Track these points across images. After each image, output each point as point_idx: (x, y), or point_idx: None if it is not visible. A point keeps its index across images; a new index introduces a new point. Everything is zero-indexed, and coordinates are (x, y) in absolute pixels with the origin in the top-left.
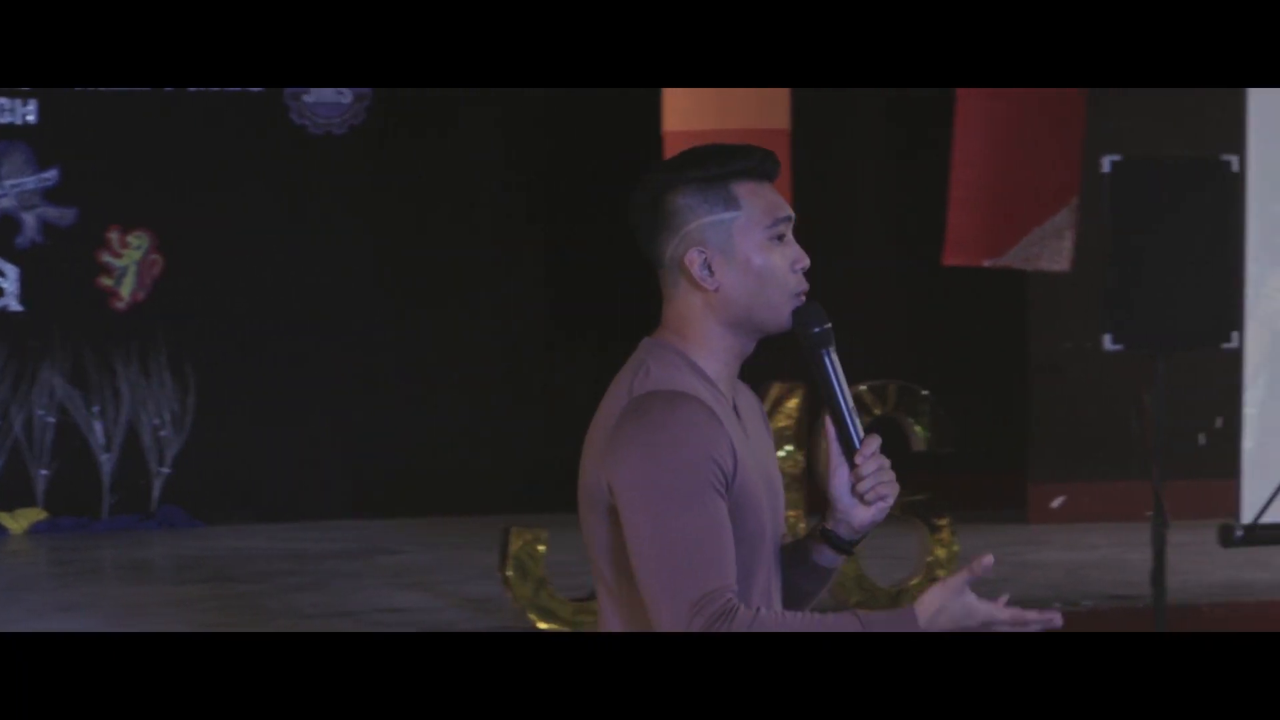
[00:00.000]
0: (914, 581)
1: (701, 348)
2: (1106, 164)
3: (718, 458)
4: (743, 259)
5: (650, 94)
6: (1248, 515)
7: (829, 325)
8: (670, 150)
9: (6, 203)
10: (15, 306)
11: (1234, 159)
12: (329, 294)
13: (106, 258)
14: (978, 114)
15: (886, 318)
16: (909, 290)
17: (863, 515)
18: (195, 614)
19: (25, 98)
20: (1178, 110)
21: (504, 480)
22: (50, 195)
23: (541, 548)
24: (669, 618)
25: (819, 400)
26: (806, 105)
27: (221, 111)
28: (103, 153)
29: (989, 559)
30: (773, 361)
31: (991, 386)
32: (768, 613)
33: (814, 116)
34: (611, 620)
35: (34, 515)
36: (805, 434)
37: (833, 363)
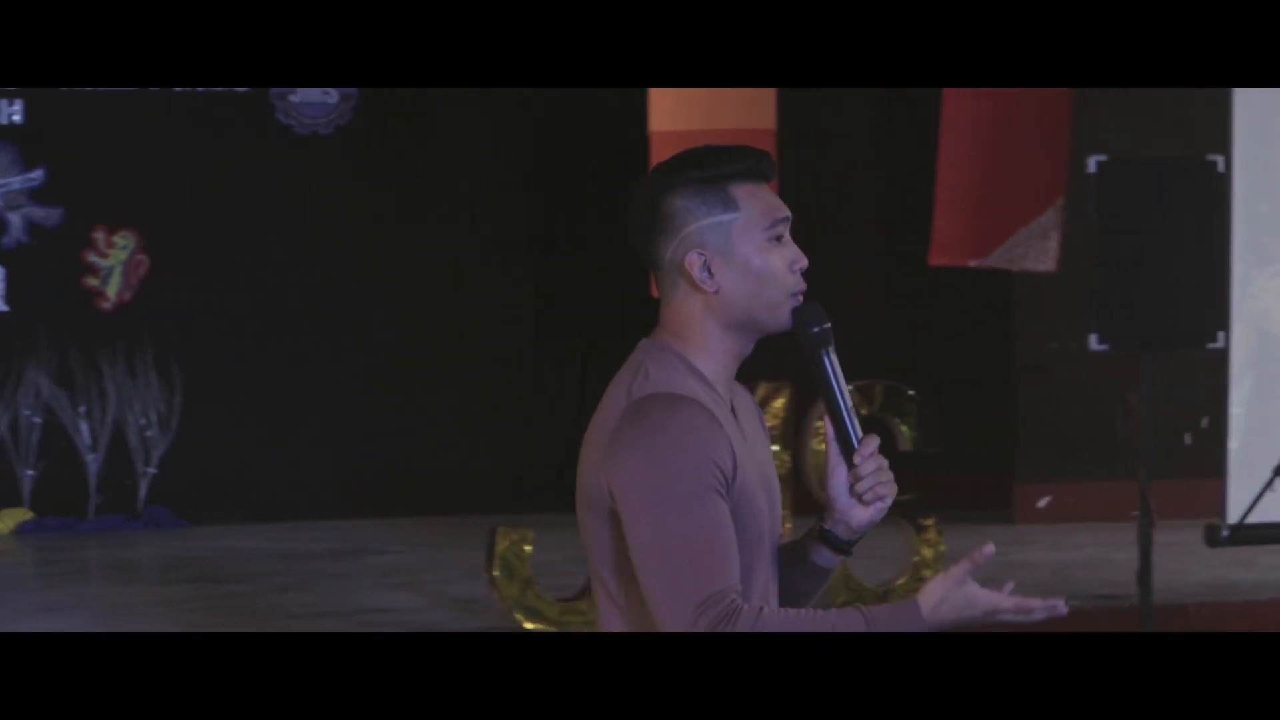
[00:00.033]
0: (900, 581)
1: (700, 349)
2: (1092, 164)
3: (718, 460)
4: (742, 260)
5: (637, 94)
6: (1234, 515)
7: (828, 325)
8: (657, 150)
9: None
10: (1, 307)
11: (1220, 159)
12: (316, 294)
13: (92, 258)
14: (963, 114)
15: (873, 318)
16: (895, 290)
17: (861, 515)
18: (182, 614)
19: (11, 97)
20: (1163, 110)
21: (491, 480)
22: (36, 195)
23: (528, 548)
24: (673, 620)
25: (806, 400)
26: (793, 105)
27: (208, 111)
28: (89, 153)
29: (990, 548)
30: (771, 362)
31: (978, 386)
32: (771, 611)
33: (800, 117)
34: (611, 624)
35: (20, 515)
36: (792, 434)
37: (832, 363)
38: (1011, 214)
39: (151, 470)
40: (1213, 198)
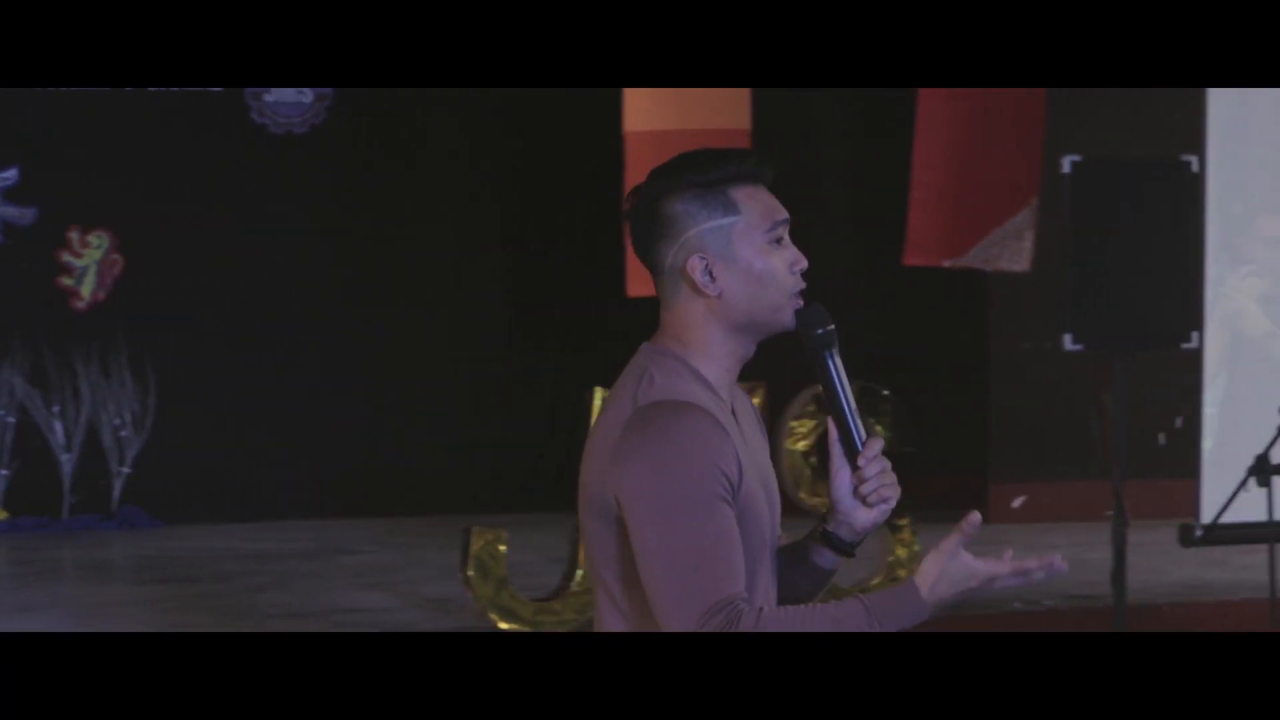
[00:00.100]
0: (875, 581)
1: (703, 353)
2: (1067, 164)
3: (724, 467)
4: (744, 263)
5: (611, 94)
6: (1207, 515)
7: (832, 327)
8: (632, 151)
9: None
10: None
11: (1194, 159)
12: (289, 294)
13: (67, 257)
14: (938, 114)
15: (847, 317)
16: (869, 290)
17: (865, 517)
18: (156, 614)
19: None
20: (1138, 111)
21: (465, 481)
22: (10, 195)
23: (502, 548)
24: (680, 627)
25: (781, 401)
26: (767, 105)
27: (182, 111)
28: (63, 152)
29: (976, 516)
30: (770, 363)
31: (952, 386)
32: (771, 610)
33: (775, 117)
34: (613, 628)
35: None
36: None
37: (835, 364)
38: (986, 214)
39: (126, 470)
40: (1187, 198)
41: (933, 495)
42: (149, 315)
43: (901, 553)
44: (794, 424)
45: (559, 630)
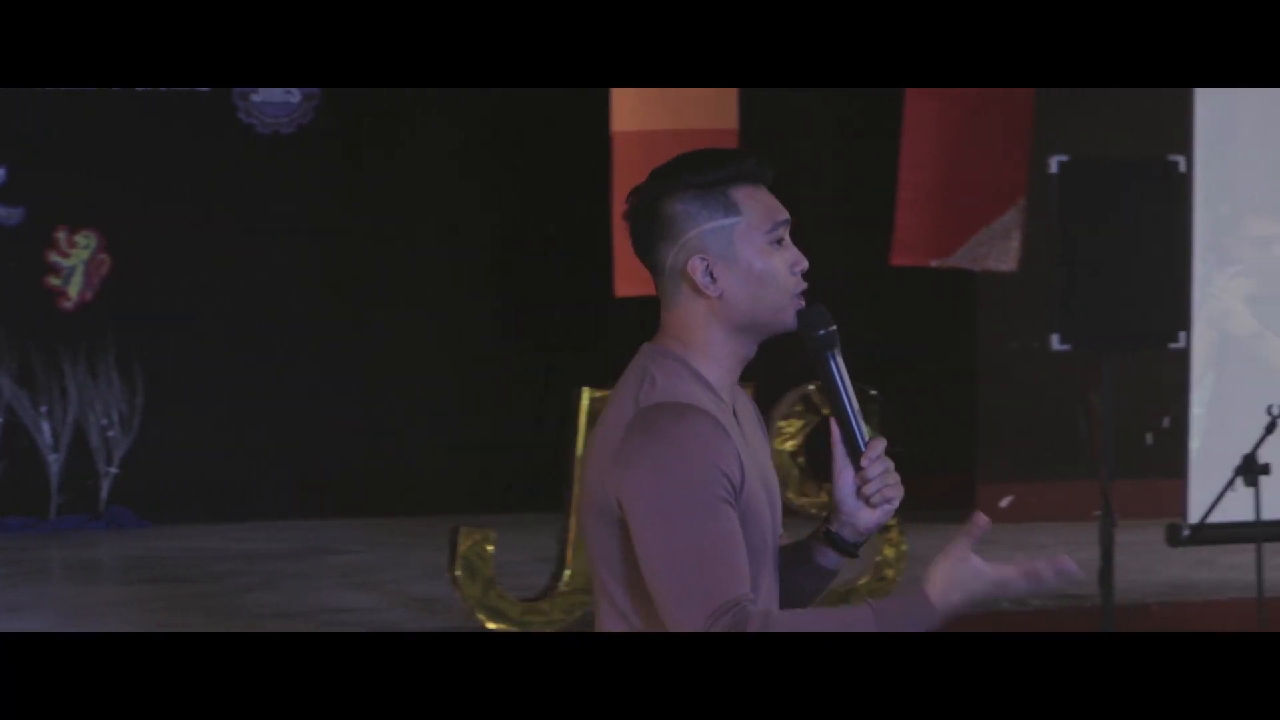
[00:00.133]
0: (862, 581)
1: (704, 354)
2: (1054, 164)
3: (725, 469)
4: (744, 264)
5: (598, 94)
6: (1195, 515)
7: (834, 328)
8: (619, 151)
9: None
10: None
11: (1181, 159)
12: (278, 295)
13: (54, 257)
14: (925, 114)
15: (834, 317)
16: (857, 290)
17: (868, 518)
18: (144, 614)
19: None
20: (1125, 111)
21: (452, 480)
22: None
23: (490, 548)
24: (686, 628)
25: (769, 400)
26: (755, 105)
27: (169, 111)
28: (50, 152)
29: (983, 518)
30: (759, 363)
31: (940, 386)
32: (778, 613)
33: (762, 116)
34: (613, 631)
35: None
36: None
37: (838, 365)
38: (973, 214)
39: (113, 470)
40: (1174, 198)
41: (920, 495)
42: (136, 315)
43: (889, 552)
44: (782, 424)
45: (547, 630)
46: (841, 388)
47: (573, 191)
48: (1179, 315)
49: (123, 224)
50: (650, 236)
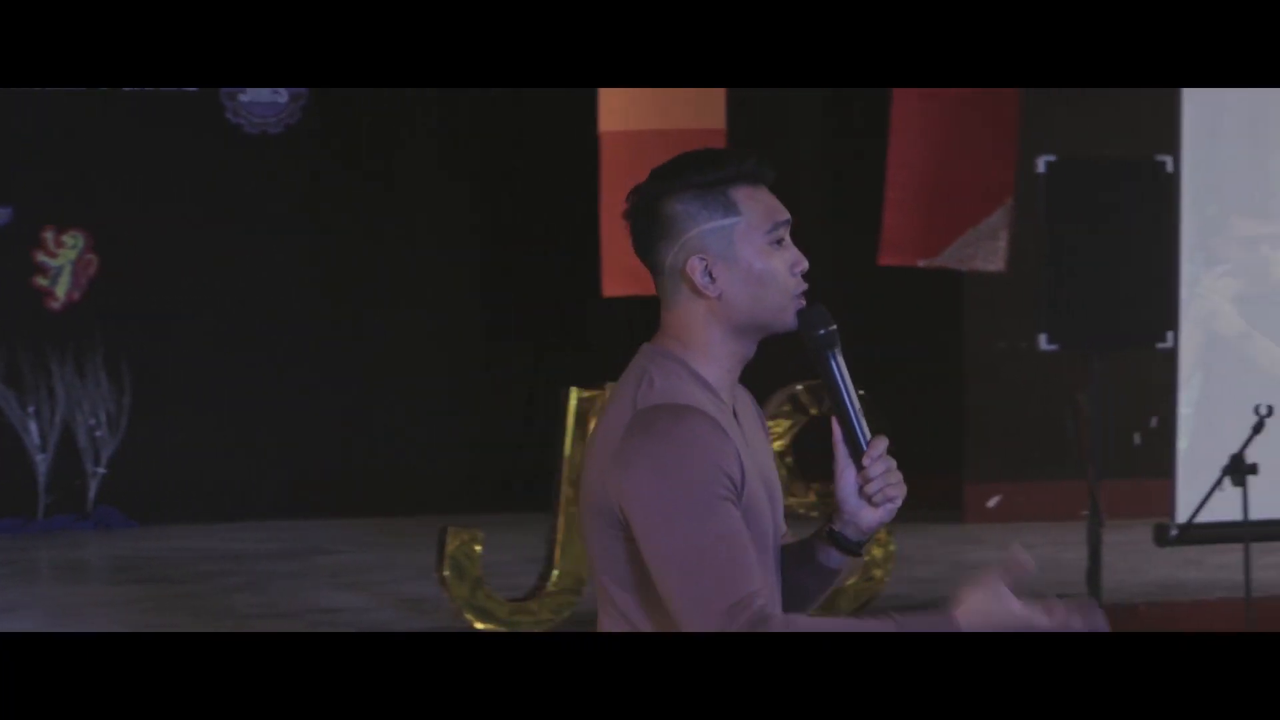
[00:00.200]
0: (850, 581)
1: (703, 355)
2: (1041, 164)
3: (727, 468)
4: (744, 264)
5: (586, 94)
6: (1182, 515)
7: (834, 327)
8: (607, 151)
9: None
10: None
11: (1168, 160)
12: (265, 294)
13: (42, 257)
14: (913, 114)
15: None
16: (844, 290)
17: (870, 517)
18: (132, 614)
19: None
20: (1112, 111)
21: (441, 481)
22: None
23: (478, 548)
24: (700, 629)
25: (760, 400)
26: (742, 105)
27: (157, 111)
28: (38, 152)
29: (1027, 558)
30: (777, 363)
31: (927, 386)
32: (800, 617)
33: (750, 117)
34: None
35: None
36: None
37: (838, 364)
38: (961, 214)
39: (101, 470)
40: (1161, 198)
41: (909, 495)
42: (124, 315)
43: (877, 552)
44: (770, 424)
45: (535, 630)
46: (842, 387)
47: (561, 191)
48: (1166, 315)
49: (110, 224)
50: (650, 236)
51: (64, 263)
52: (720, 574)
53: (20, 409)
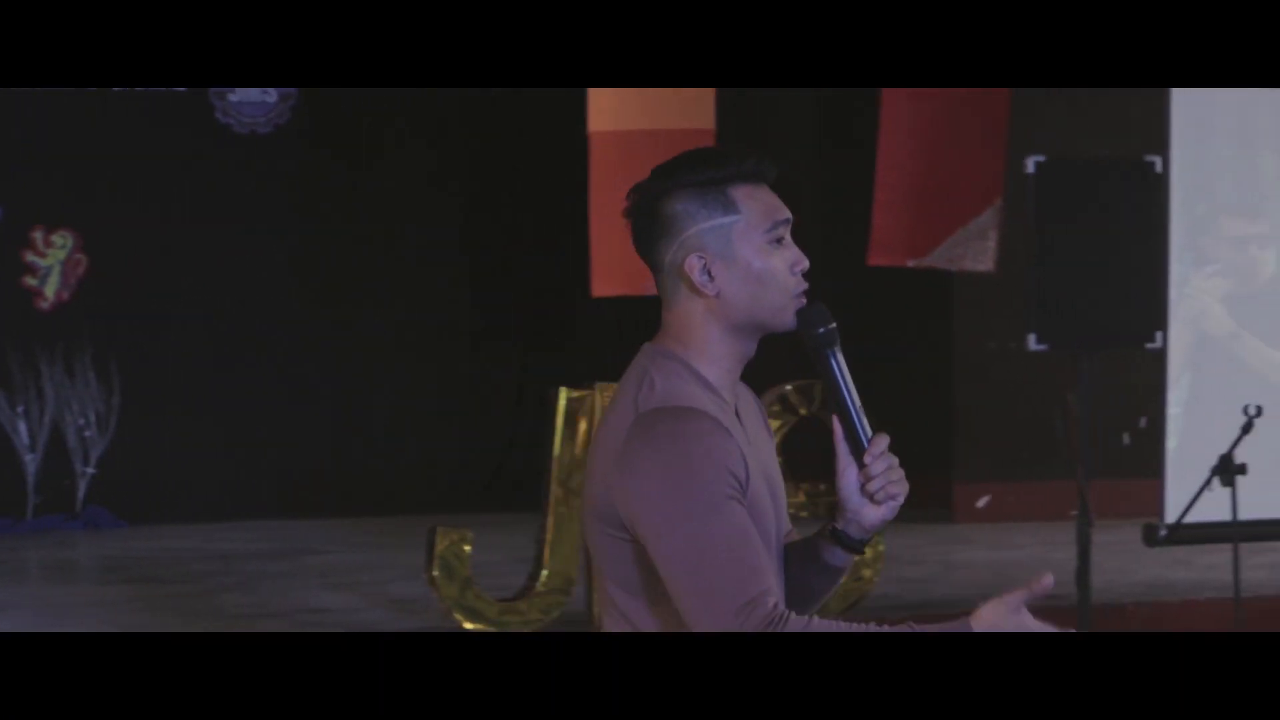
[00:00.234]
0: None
1: (703, 354)
2: (1031, 164)
3: (732, 468)
4: (743, 263)
5: (575, 94)
6: (1171, 515)
7: (834, 325)
8: (596, 151)
9: None
10: None
11: (1157, 159)
12: (254, 294)
13: (31, 257)
14: (902, 114)
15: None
16: (833, 290)
17: (873, 514)
18: (121, 615)
19: None
20: (1102, 111)
21: (430, 480)
22: None
23: (467, 548)
24: (712, 629)
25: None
26: (732, 105)
27: (146, 111)
28: (27, 152)
29: (1050, 579)
30: (776, 362)
31: (917, 386)
32: (817, 619)
33: (739, 117)
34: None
35: None
36: None
37: (839, 363)
38: (950, 214)
39: (90, 470)
40: (1150, 198)
41: None
42: (113, 315)
43: (867, 552)
44: None
45: (524, 630)
46: (843, 385)
47: (550, 192)
48: (1156, 315)
49: (99, 224)
50: (650, 235)
51: (53, 263)
52: (730, 573)
53: (9, 409)
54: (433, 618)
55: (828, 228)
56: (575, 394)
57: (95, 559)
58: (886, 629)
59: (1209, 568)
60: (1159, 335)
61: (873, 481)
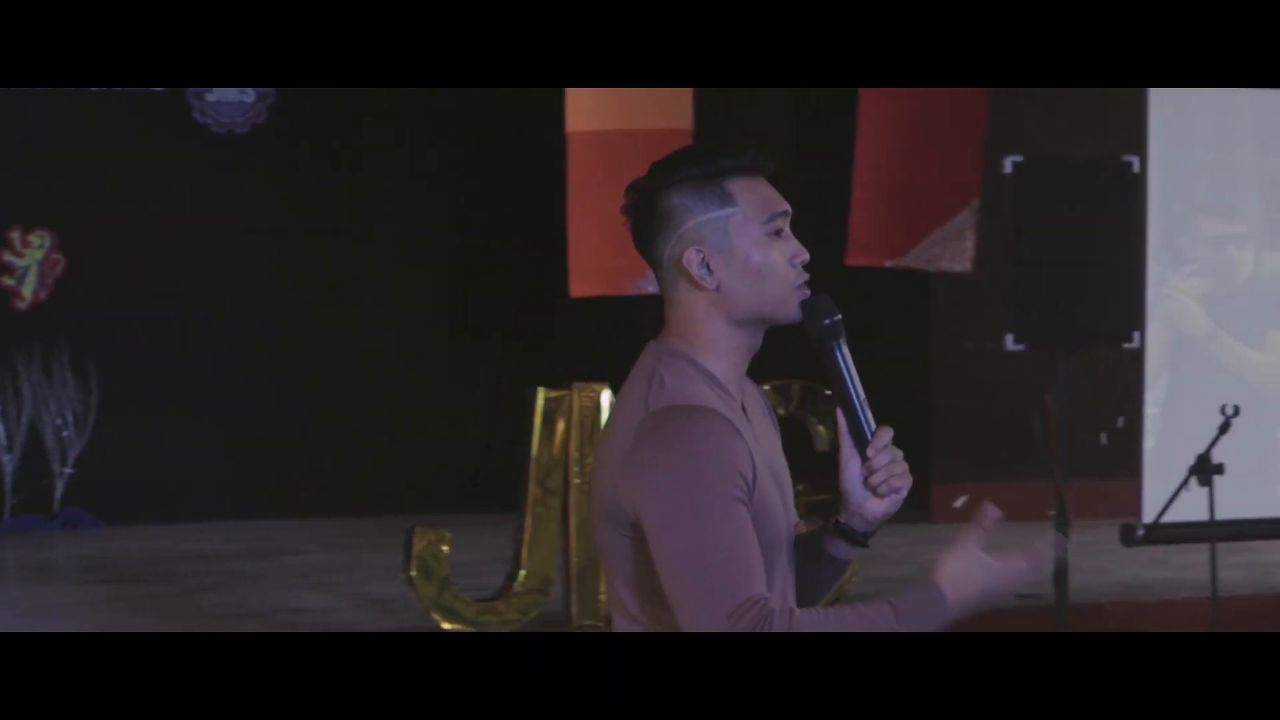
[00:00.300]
0: (846, 572)
1: (709, 350)
2: (1008, 164)
3: (740, 468)
4: (741, 256)
5: (553, 94)
6: (1149, 515)
7: (839, 317)
8: (574, 151)
9: None
10: None
11: (1135, 160)
12: (232, 293)
13: (8, 257)
14: (880, 114)
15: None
16: (811, 289)
17: (876, 507)
18: (100, 615)
19: None
20: (1079, 111)
21: (408, 480)
22: None
23: (445, 548)
24: (705, 629)
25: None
26: (710, 105)
27: (124, 111)
28: (4, 152)
29: (995, 510)
30: (778, 356)
31: (894, 387)
32: (802, 612)
33: (717, 117)
34: None
35: None
36: None
37: (843, 355)
38: (928, 214)
39: (68, 470)
40: (1128, 198)
41: None
42: (90, 315)
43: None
44: None
45: (502, 630)
46: (847, 377)
47: (528, 192)
48: (1133, 315)
49: (77, 224)
50: (649, 231)
51: (30, 262)
52: (728, 576)
53: None
54: (411, 618)
55: (805, 228)
56: (553, 394)
57: (73, 559)
58: (871, 614)
59: (1186, 567)
60: (1136, 335)
61: (876, 474)
